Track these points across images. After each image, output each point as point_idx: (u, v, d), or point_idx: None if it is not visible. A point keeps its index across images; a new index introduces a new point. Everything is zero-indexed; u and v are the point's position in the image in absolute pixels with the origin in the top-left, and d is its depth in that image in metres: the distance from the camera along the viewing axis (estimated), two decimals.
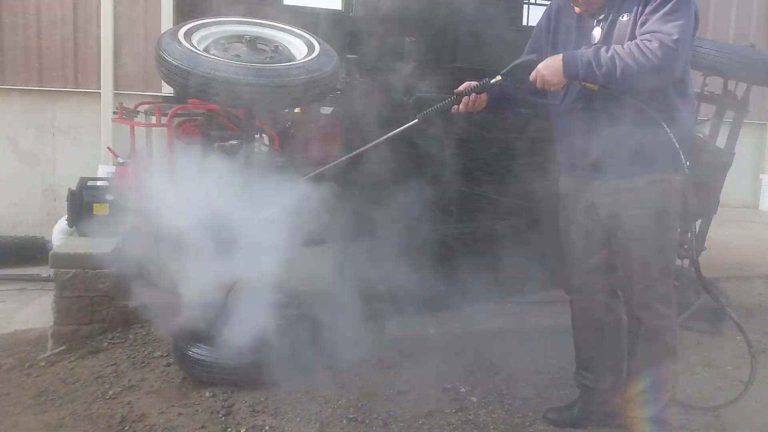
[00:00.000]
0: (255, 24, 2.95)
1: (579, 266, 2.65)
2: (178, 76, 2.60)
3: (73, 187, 4.35)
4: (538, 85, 2.40)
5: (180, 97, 5.16)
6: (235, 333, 3.28)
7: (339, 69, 2.84)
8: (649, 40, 2.20)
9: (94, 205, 4.31)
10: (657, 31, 2.21)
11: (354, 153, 2.72)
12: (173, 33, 2.75)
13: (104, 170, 5.42)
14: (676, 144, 2.30)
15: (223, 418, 2.83)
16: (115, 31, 6.00)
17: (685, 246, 3.52)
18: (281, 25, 2.99)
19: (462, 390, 3.07)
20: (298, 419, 2.82)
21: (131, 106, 4.95)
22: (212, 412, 2.87)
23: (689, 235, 3.15)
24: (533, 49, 2.67)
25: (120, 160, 5.77)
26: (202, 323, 3.36)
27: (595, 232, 2.59)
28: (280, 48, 2.88)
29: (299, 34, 2.96)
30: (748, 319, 2.48)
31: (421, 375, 3.23)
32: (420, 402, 2.96)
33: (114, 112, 4.85)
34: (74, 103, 6.11)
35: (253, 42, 2.81)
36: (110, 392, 3.07)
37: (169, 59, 2.62)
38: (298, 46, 2.90)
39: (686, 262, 3.81)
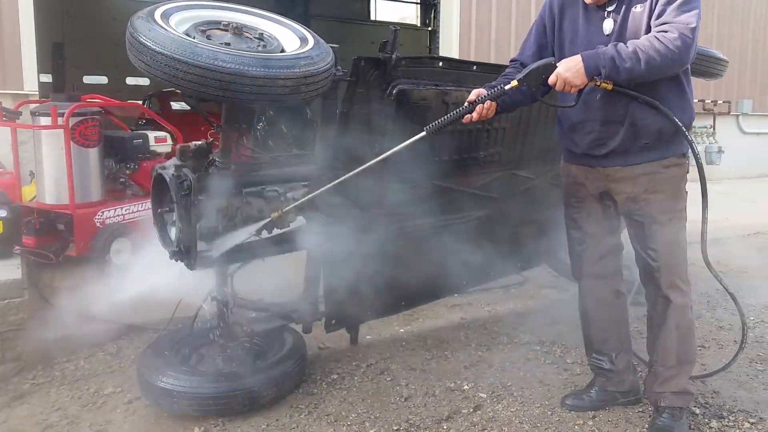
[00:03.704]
0: (235, 10, 2.62)
1: (591, 252, 2.69)
2: (167, 67, 2.21)
3: None
4: (558, 88, 2.35)
5: (72, 95, 4.50)
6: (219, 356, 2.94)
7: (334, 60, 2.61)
8: (667, 31, 2.26)
9: None
10: (674, 22, 2.28)
11: (363, 167, 2.53)
12: (149, 14, 2.34)
13: None
14: (684, 129, 2.41)
15: None
16: None
17: None
18: (264, 13, 2.68)
19: (466, 387, 2.99)
20: None
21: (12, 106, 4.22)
22: None
23: None
24: (538, 45, 2.63)
25: None
26: (175, 349, 2.96)
27: (608, 218, 2.65)
28: (266, 36, 2.57)
29: (284, 22, 2.68)
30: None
31: (417, 377, 3.11)
32: (432, 405, 2.84)
33: None
34: None
35: (239, 29, 2.49)
36: None
37: (154, 47, 2.22)
38: (286, 36, 2.61)
39: None
